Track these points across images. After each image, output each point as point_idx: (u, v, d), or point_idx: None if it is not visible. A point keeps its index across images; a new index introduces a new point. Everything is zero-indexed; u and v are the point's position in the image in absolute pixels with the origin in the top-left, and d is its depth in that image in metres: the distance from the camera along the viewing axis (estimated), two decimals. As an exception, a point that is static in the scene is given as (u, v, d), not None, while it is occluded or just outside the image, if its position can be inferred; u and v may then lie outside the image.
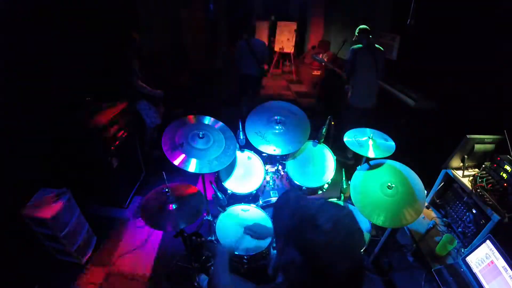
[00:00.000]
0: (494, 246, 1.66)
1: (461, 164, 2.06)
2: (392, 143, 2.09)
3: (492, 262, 1.66)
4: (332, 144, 2.44)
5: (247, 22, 4.23)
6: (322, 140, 2.40)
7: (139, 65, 3.13)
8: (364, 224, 2.05)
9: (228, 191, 2.16)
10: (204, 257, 2.01)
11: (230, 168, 2.26)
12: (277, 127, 2.23)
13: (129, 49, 3.04)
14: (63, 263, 2.28)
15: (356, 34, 3.21)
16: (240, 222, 1.95)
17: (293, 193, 0.91)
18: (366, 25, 3.18)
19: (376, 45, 3.23)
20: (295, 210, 0.81)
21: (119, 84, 3.10)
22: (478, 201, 1.84)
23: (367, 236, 2.00)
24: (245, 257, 1.74)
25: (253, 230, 1.79)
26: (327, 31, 6.99)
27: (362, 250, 1.98)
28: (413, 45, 3.76)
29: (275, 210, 0.91)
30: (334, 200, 2.23)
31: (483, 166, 1.95)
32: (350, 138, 2.15)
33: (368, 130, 2.20)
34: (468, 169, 2.07)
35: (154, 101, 3.39)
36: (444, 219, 2.13)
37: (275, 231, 0.87)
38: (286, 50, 7.27)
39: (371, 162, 2.03)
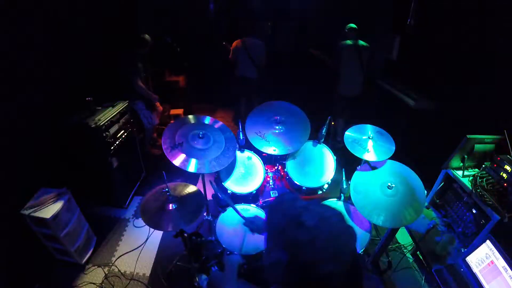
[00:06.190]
0: (494, 246, 1.66)
1: (461, 164, 2.06)
2: (392, 146, 2.09)
3: (492, 262, 1.66)
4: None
5: (244, 22, 4.17)
6: (322, 140, 2.40)
7: (142, 66, 3.16)
8: (364, 224, 2.05)
9: (228, 191, 2.16)
10: (204, 257, 2.01)
11: (230, 168, 2.26)
12: (277, 127, 2.23)
13: (138, 50, 3.12)
14: (63, 263, 2.29)
15: (346, 30, 3.51)
16: (240, 222, 1.95)
17: (289, 196, 0.90)
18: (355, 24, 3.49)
19: (362, 42, 3.52)
20: (286, 211, 0.81)
21: (119, 83, 3.10)
22: (478, 201, 1.84)
23: (366, 236, 2.00)
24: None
25: (254, 223, 1.78)
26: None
27: (358, 253, 1.94)
28: (413, 45, 3.76)
29: (269, 211, 0.90)
30: (334, 200, 2.23)
31: (483, 166, 1.95)
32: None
33: (368, 128, 2.20)
34: (468, 169, 2.07)
35: (150, 102, 3.41)
36: (444, 219, 2.13)
37: (267, 232, 0.87)
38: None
39: (371, 162, 2.03)
